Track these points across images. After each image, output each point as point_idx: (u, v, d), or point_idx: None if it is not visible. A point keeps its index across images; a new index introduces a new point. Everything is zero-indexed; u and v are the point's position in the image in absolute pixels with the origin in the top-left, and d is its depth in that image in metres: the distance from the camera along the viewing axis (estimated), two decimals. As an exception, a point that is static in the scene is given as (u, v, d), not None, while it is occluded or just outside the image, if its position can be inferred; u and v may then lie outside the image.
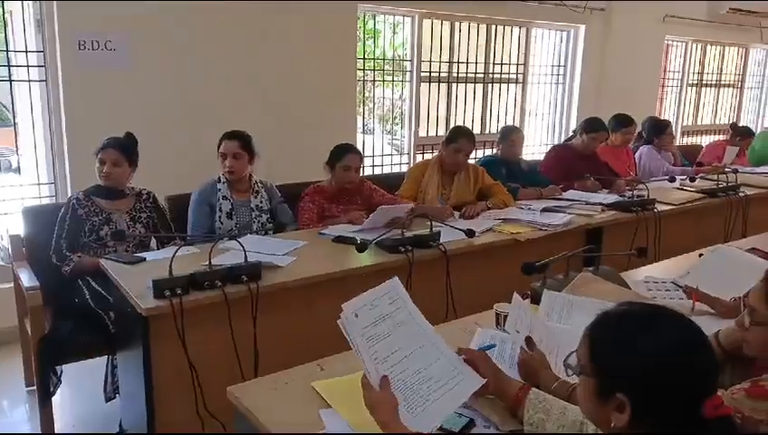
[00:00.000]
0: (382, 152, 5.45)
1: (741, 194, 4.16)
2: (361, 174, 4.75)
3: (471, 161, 4.07)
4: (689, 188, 4.16)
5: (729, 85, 8.18)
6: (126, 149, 2.99)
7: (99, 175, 2.96)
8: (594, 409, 1.08)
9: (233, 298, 2.25)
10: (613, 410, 1.02)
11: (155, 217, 3.07)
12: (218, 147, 3.16)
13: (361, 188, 3.42)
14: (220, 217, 3.10)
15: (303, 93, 4.47)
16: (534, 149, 6.14)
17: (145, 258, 2.59)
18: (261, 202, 3.20)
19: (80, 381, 3.17)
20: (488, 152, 5.37)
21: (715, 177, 4.24)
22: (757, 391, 1.25)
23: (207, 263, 2.27)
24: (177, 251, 2.23)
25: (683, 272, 2.39)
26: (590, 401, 1.08)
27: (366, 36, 5.22)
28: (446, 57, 5.52)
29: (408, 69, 5.34)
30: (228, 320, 2.24)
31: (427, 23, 5.31)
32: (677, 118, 7.55)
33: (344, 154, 3.28)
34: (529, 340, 1.62)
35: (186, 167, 3.76)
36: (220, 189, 3.13)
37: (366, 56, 5.08)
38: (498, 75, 5.91)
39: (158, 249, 2.98)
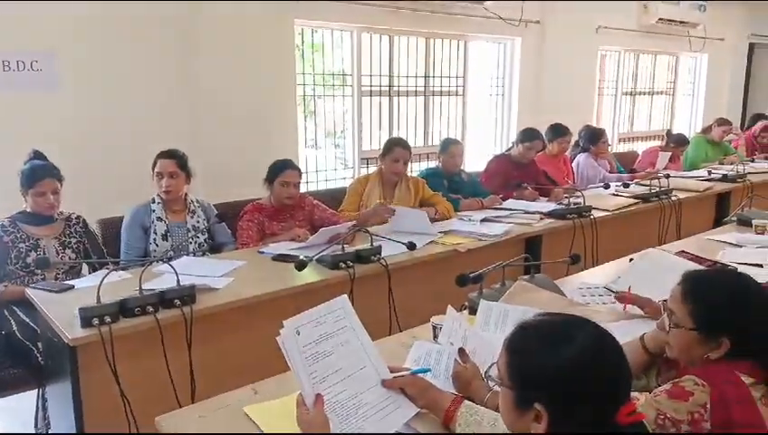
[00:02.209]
0: (328, 167, 5.45)
1: (673, 198, 4.31)
2: (306, 190, 4.84)
3: (414, 174, 4.12)
4: (623, 194, 4.29)
5: (662, 93, 8.51)
6: (55, 173, 2.90)
7: (39, 206, 2.84)
8: (514, 420, 1.09)
9: (166, 324, 2.20)
10: (531, 421, 1.04)
11: (85, 242, 2.98)
12: (153, 166, 3.10)
13: (303, 205, 3.40)
14: (155, 239, 3.03)
15: (241, 109, 4.43)
16: (477, 160, 6.23)
17: (73, 286, 2.50)
18: (197, 222, 3.14)
19: (9, 416, 3.02)
20: (432, 164, 5.42)
21: (649, 182, 4.38)
22: (677, 392, 1.29)
23: (138, 288, 2.21)
24: (105, 277, 2.16)
25: (615, 277, 2.45)
26: (510, 413, 1.09)
27: (313, 50, 5.22)
28: (386, 71, 5.57)
29: (349, 83, 5.36)
30: (162, 347, 2.18)
31: (365, 37, 5.35)
32: (613, 125, 7.81)
33: (282, 170, 3.26)
34: (462, 351, 1.63)
35: (118, 188, 3.66)
36: (154, 210, 3.06)
37: (312, 71, 5.09)
38: (438, 88, 6.00)
39: (90, 275, 2.88)
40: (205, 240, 3.13)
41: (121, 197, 3.28)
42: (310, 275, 2.64)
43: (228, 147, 4.35)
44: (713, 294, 1.37)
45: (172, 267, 2.25)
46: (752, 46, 9.63)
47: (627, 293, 2.11)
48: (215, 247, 3.12)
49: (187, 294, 2.25)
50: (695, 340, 1.36)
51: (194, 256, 2.97)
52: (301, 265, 2.59)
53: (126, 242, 3.05)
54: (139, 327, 2.17)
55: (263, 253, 2.94)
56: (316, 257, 2.71)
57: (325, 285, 2.61)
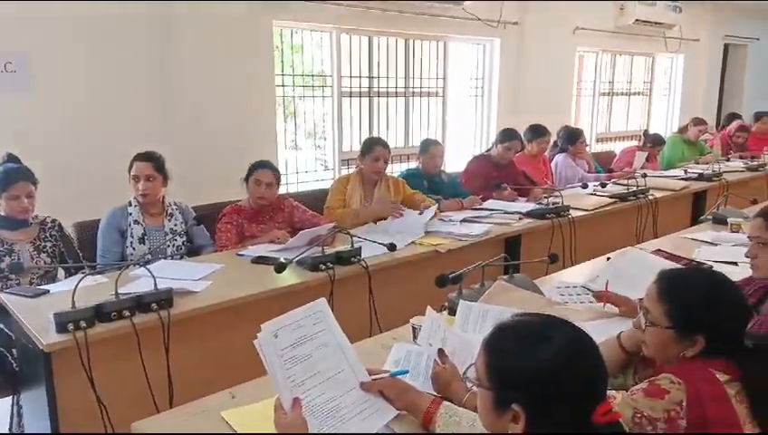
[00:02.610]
0: (309, 169, 5.44)
1: (650, 197, 4.36)
2: (286, 191, 4.82)
3: (395, 174, 4.11)
4: (601, 194, 4.32)
5: (638, 93, 8.61)
6: (29, 176, 2.85)
7: (12, 210, 2.79)
8: (492, 421, 1.09)
9: (143, 328, 2.17)
10: (509, 421, 1.04)
11: (61, 246, 2.93)
12: (129, 169, 3.05)
13: (282, 206, 3.38)
14: (132, 242, 2.99)
15: (219, 111, 4.40)
16: (457, 160, 6.25)
17: (48, 291, 2.46)
18: (175, 225, 3.10)
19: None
20: (412, 165, 5.42)
21: (626, 182, 4.42)
22: (653, 390, 1.30)
23: (114, 292, 2.18)
24: (80, 281, 2.13)
25: (593, 276, 2.46)
26: (488, 414, 1.09)
27: (292, 51, 5.20)
28: (366, 72, 5.56)
29: (329, 84, 5.34)
30: (139, 351, 2.15)
31: (345, 38, 5.33)
32: (591, 125, 7.88)
33: (255, 169, 3.23)
34: (441, 352, 1.63)
35: (94, 191, 3.61)
36: (131, 214, 3.02)
37: (292, 72, 5.06)
38: (418, 89, 6.01)
39: (65, 280, 2.83)
40: (183, 243, 3.10)
41: (98, 200, 3.23)
42: (289, 278, 2.63)
43: (207, 148, 4.32)
44: (687, 292, 1.38)
45: (149, 271, 2.22)
46: (726, 47, 9.78)
47: (604, 291, 2.11)
48: (193, 250, 3.09)
49: (164, 298, 2.23)
50: (670, 338, 1.37)
51: (172, 259, 2.94)
52: (280, 268, 2.57)
53: (102, 246, 3.00)
54: (115, 332, 2.13)
55: (242, 255, 2.92)
56: (296, 259, 2.69)
57: (305, 288, 2.59)
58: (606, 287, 2.13)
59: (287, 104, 5.29)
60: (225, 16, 4.34)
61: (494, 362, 1.09)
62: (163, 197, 3.13)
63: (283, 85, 5.00)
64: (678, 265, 2.30)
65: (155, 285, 2.22)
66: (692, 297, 1.36)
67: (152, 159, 3.04)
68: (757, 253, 1.77)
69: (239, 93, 4.48)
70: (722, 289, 1.37)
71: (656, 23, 7.63)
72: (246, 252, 2.95)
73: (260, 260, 2.81)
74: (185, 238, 3.13)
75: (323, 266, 2.69)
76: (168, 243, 3.05)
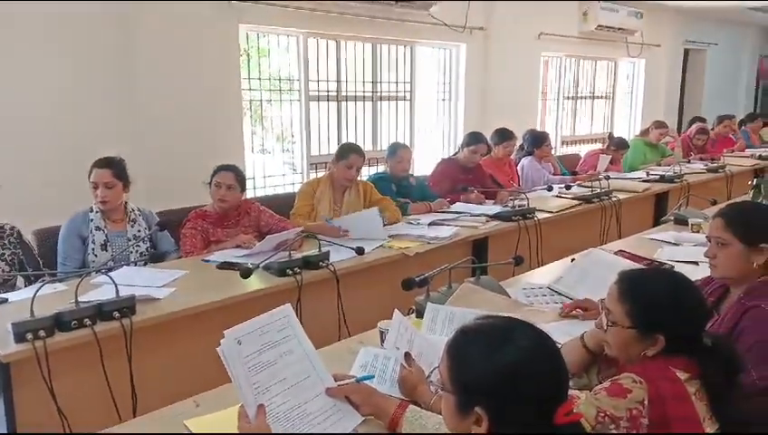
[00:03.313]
0: (277, 173, 5.40)
1: (614, 199, 4.43)
2: (254, 195, 4.78)
3: (363, 178, 4.10)
4: (566, 196, 4.38)
5: (602, 97, 8.77)
6: None
7: None
8: (456, 424, 1.09)
9: (104, 336, 2.11)
10: (473, 424, 1.04)
11: (20, 254, 2.85)
12: (89, 175, 2.98)
13: (249, 211, 3.34)
14: (93, 249, 2.92)
15: (184, 114, 4.35)
16: (425, 164, 6.27)
17: (7, 299, 2.39)
18: (139, 231, 3.04)
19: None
20: (381, 169, 5.42)
21: (590, 184, 4.48)
22: (616, 389, 1.31)
23: (74, 300, 2.12)
24: (39, 289, 2.07)
25: (558, 277, 2.49)
26: (452, 417, 1.09)
27: (259, 55, 5.17)
28: (333, 76, 5.55)
29: (297, 88, 5.32)
30: (101, 360, 2.10)
31: (312, 42, 5.32)
32: (556, 129, 8.00)
33: (216, 172, 3.20)
34: (407, 356, 1.62)
35: (55, 197, 3.53)
36: (93, 220, 2.95)
37: (259, 75, 5.02)
38: (386, 93, 6.02)
39: (25, 288, 2.75)
40: (147, 249, 3.04)
41: (60, 205, 3.15)
42: (256, 283, 2.60)
43: (171, 153, 4.26)
44: (647, 293, 1.39)
45: (110, 278, 2.17)
46: (686, 52, 10.04)
47: (565, 305, 2.18)
48: (157, 257, 3.03)
49: (126, 306, 2.18)
50: (631, 337, 1.39)
51: (135, 265, 2.88)
52: (246, 273, 2.54)
53: (63, 253, 2.93)
54: (76, 341, 2.08)
55: (207, 261, 2.88)
56: (262, 264, 2.66)
57: (272, 293, 2.56)
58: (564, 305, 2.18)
59: (255, 108, 5.25)
60: (191, 20, 4.29)
61: (457, 366, 1.09)
62: (125, 202, 3.06)
63: (249, 89, 4.95)
64: (640, 266, 2.34)
65: (116, 292, 2.17)
66: (652, 297, 1.38)
67: (111, 166, 2.97)
68: (716, 253, 1.80)
69: (205, 97, 4.43)
70: (681, 289, 1.39)
71: (618, 28, 7.79)
72: (212, 257, 2.90)
73: (226, 266, 2.77)
74: (148, 244, 3.07)
75: (291, 271, 2.65)
76: (131, 249, 2.99)
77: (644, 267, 2.11)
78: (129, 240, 3.00)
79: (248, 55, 5.03)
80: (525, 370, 1.04)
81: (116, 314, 2.15)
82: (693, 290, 1.41)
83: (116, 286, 2.16)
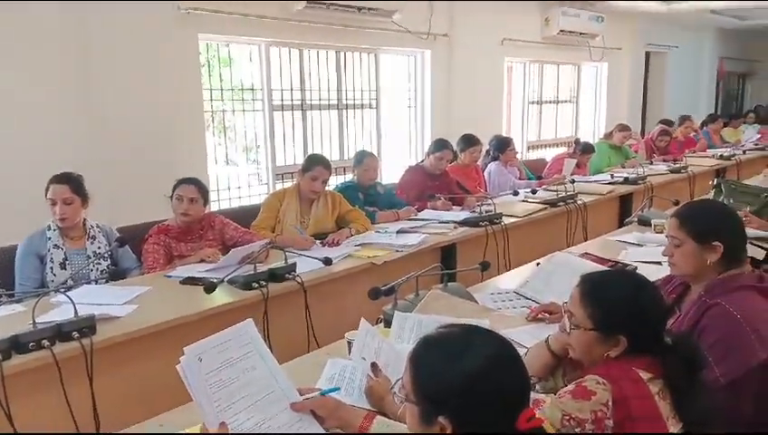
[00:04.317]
0: (242, 184, 5.37)
1: (579, 202, 4.50)
2: (218, 208, 4.73)
3: (330, 188, 4.09)
4: (532, 200, 4.44)
5: (566, 101, 8.92)
6: None
7: None
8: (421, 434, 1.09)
9: (64, 358, 2.07)
10: (437, 433, 1.04)
11: (-26, 275, 2.77)
12: (46, 192, 2.92)
13: (212, 224, 3.30)
14: (52, 268, 2.86)
15: (144, 127, 4.30)
16: (392, 172, 6.29)
17: (-40, 323, 2.31)
18: (99, 248, 2.99)
19: None
20: (348, 178, 5.43)
21: (555, 188, 4.56)
22: (580, 392, 1.33)
23: (32, 321, 2.07)
24: (-7, 312, 2.02)
25: (524, 281, 2.52)
26: (417, 428, 1.10)
27: (220, 65, 5.14)
28: (297, 85, 5.54)
29: (260, 98, 5.29)
30: (60, 383, 2.05)
31: (274, 51, 5.31)
32: (522, 134, 8.10)
33: (178, 185, 3.17)
34: (374, 366, 1.62)
35: (12, 214, 3.44)
36: (50, 238, 2.89)
37: (223, 85, 4.99)
38: (351, 101, 6.04)
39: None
40: (107, 267, 2.99)
41: (17, 223, 3.08)
42: (220, 298, 2.57)
43: (131, 167, 4.20)
44: (607, 295, 1.42)
45: (68, 297, 2.13)
46: (648, 55, 10.27)
47: (531, 309, 2.22)
48: (118, 274, 2.98)
49: (85, 326, 2.13)
50: (594, 340, 1.42)
51: (96, 283, 2.83)
52: (210, 288, 2.51)
53: (21, 273, 2.86)
54: (34, 363, 2.03)
55: (170, 277, 2.84)
56: (227, 278, 2.64)
57: (238, 307, 2.54)
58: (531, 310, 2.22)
59: (219, 119, 5.22)
60: (148, 30, 4.24)
61: (419, 376, 1.10)
62: (84, 219, 3.01)
63: (211, 99, 4.92)
64: (604, 268, 2.38)
65: (75, 311, 2.13)
66: (612, 299, 1.41)
67: (69, 181, 2.91)
68: (672, 252, 1.84)
69: (165, 109, 4.39)
70: (640, 290, 1.42)
71: (580, 33, 7.95)
72: (175, 273, 2.87)
73: (189, 281, 2.74)
74: (109, 261, 3.02)
75: (256, 284, 2.64)
76: (91, 267, 2.94)
77: (606, 270, 2.15)
78: (89, 258, 2.95)
79: (209, 65, 5.00)
80: (487, 377, 1.05)
81: (75, 335, 2.10)
82: (652, 290, 1.44)
83: (74, 305, 2.12)
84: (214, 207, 4.66)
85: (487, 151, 5.43)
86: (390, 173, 6.21)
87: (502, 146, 5.35)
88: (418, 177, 4.50)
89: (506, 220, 3.92)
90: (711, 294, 1.75)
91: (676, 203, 4.14)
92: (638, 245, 3.21)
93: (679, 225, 1.83)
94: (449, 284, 2.41)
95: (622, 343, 1.38)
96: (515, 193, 4.60)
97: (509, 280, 2.75)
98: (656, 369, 1.36)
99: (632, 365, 1.37)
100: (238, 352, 1.39)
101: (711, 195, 4.04)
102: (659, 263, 2.75)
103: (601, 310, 1.40)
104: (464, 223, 3.80)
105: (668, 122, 7.88)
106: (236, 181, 5.39)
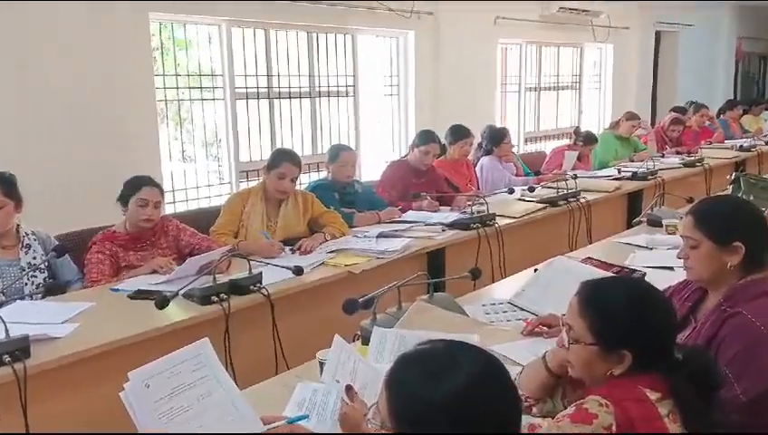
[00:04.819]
0: (201, 183, 5.33)
1: (582, 200, 4.54)
2: (173, 211, 4.70)
3: (302, 186, 4.08)
4: (529, 199, 4.47)
5: (567, 87, 8.99)
6: None
7: None
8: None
9: (-8, 386, 2.04)
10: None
11: None
12: (-27, 196, 2.88)
13: (166, 229, 3.29)
14: (-21, 282, 2.82)
15: (87, 119, 4.27)
16: (373, 168, 6.30)
17: None
18: (34, 258, 2.96)
19: None
20: (321, 175, 5.42)
21: (556, 184, 4.58)
22: (580, 415, 1.33)
23: (-46, 345, 2.04)
24: None
25: (520, 290, 2.53)
26: (395, 456, 1.09)
27: (175, 48, 5.11)
28: (263, 70, 5.53)
29: (221, 85, 5.27)
30: (-12, 414, 2.02)
31: (237, 32, 5.28)
32: (519, 124, 8.16)
33: (138, 187, 3.14)
34: (349, 389, 1.61)
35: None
36: (-22, 248, 2.86)
37: (180, 71, 4.98)
38: (326, 88, 6.03)
39: None
40: (44, 280, 2.96)
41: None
42: (175, 314, 2.56)
43: (71, 164, 4.17)
44: (609, 304, 1.43)
45: (-2, 316, 2.10)
46: (658, 34, 10.36)
47: (527, 322, 2.21)
48: (57, 288, 2.93)
49: (18, 348, 2.10)
50: (595, 355, 1.42)
51: (31, 299, 2.80)
52: (163, 303, 2.49)
53: (-57, 288, 2.82)
54: (-44, 394, 2.00)
55: (117, 290, 2.82)
56: (182, 292, 2.63)
57: (194, 325, 2.53)
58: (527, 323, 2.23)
59: (175, 110, 5.20)
60: (91, 9, 4.20)
61: (395, 399, 1.10)
62: (18, 225, 2.97)
63: (164, 87, 4.90)
64: (608, 274, 2.40)
65: (6, 332, 2.10)
66: (614, 309, 1.41)
67: (0, 183, 2.88)
68: (688, 254, 1.85)
69: (111, 98, 4.36)
70: (646, 298, 1.43)
71: (582, 10, 8.01)
72: (123, 286, 2.85)
73: (139, 295, 2.72)
74: (46, 274, 3.00)
75: (216, 298, 2.63)
76: (26, 280, 2.91)
77: (610, 276, 2.16)
78: (23, 269, 2.92)
79: (163, 49, 4.97)
80: (472, 398, 1.05)
81: (7, 359, 2.07)
82: (659, 298, 1.45)
83: (5, 325, 2.09)
84: (168, 209, 4.63)
85: (479, 144, 5.45)
86: (370, 169, 6.22)
87: (495, 138, 5.36)
88: (402, 173, 4.50)
89: (501, 222, 3.93)
90: (731, 302, 1.76)
91: (691, 200, 4.18)
92: (648, 248, 3.24)
93: (695, 223, 1.84)
94: (436, 294, 2.42)
95: (627, 358, 1.39)
96: (511, 191, 4.61)
97: (503, 289, 2.76)
98: (663, 387, 1.37)
99: (638, 384, 1.37)
100: (192, 376, 1.39)
101: (729, 191, 4.09)
102: (671, 268, 2.79)
103: (603, 321, 1.41)
104: (453, 225, 3.80)
105: (681, 110, 7.94)
106: (194, 180, 5.35)
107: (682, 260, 1.91)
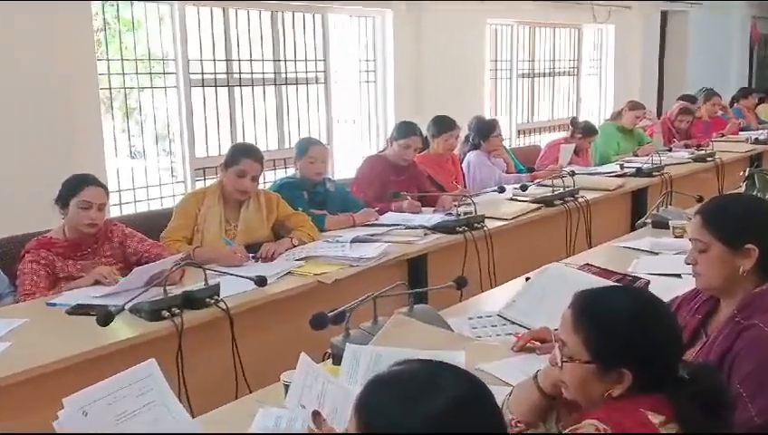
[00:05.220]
0: (152, 182, 5.30)
1: (580, 199, 4.57)
2: (119, 214, 4.67)
3: (266, 185, 4.07)
4: (522, 199, 4.49)
5: (564, 73, 9.05)
6: None
7: None
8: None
9: None
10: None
11: None
12: None
13: (110, 235, 3.27)
14: None
15: (17, 111, 4.23)
16: (347, 164, 6.30)
17: None
18: (-42, 269, 2.93)
19: None
20: (289, 172, 5.41)
21: (551, 182, 4.61)
22: (576, 442, 1.34)
23: None
24: None
25: (510, 301, 2.54)
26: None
27: (120, 30, 5.08)
28: (222, 54, 5.51)
29: (173, 70, 5.24)
30: None
31: (191, 11, 5.26)
32: (511, 115, 8.21)
33: (80, 187, 3.11)
34: (316, 415, 1.61)
35: None
36: None
37: (128, 56, 4.98)
38: (293, 75, 6.02)
39: None
40: (-30, 293, 2.93)
41: None
42: (120, 331, 2.55)
43: (1, 161, 4.10)
44: (606, 317, 1.43)
45: None
46: (665, 15, 10.46)
47: (518, 337, 2.22)
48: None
49: (-62, 372, 2.08)
50: (591, 375, 1.42)
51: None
52: (106, 318, 2.47)
53: None
54: None
55: (53, 305, 2.80)
56: (128, 306, 2.62)
57: (143, 343, 2.52)
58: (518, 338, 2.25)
59: (122, 99, 5.17)
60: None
61: (368, 426, 1.10)
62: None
63: (109, 73, 4.87)
64: (609, 283, 2.41)
65: (-76, 354, 2.07)
66: (612, 323, 1.42)
67: None
68: (697, 259, 1.86)
69: (46, 87, 4.34)
70: (648, 310, 1.44)
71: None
72: (60, 299, 2.83)
73: (79, 309, 2.70)
74: (-27, 287, 2.96)
75: (167, 313, 2.61)
76: (-51, 294, 2.87)
77: (609, 285, 2.17)
78: (-55, 282, 2.89)
79: (107, 30, 4.93)
80: (454, 424, 1.05)
81: (-77, 384, 2.05)
82: (663, 310, 1.46)
83: None
84: (114, 212, 4.60)
85: (466, 137, 5.48)
86: (344, 166, 6.23)
87: (484, 131, 5.39)
88: (379, 170, 4.51)
89: (490, 224, 3.95)
90: (746, 313, 1.78)
91: (700, 199, 4.23)
92: (653, 253, 3.27)
93: (704, 224, 1.85)
94: (416, 306, 2.41)
95: (627, 378, 1.39)
96: (501, 190, 4.63)
97: (492, 300, 2.78)
98: (666, 409, 1.38)
99: (640, 406, 1.38)
100: (137, 402, 1.39)
101: (742, 188, 4.13)
102: (679, 275, 2.81)
103: (599, 337, 1.41)
104: (436, 228, 3.82)
105: (691, 99, 8.04)
106: (144, 178, 5.32)
107: (689, 265, 1.93)
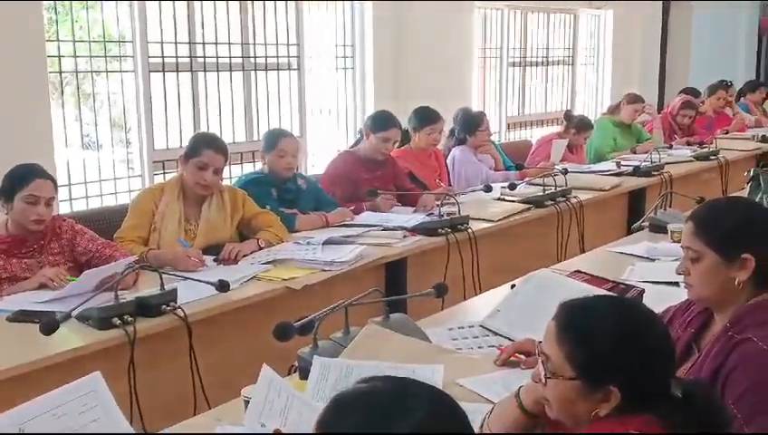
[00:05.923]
0: (106, 176, 5.27)
1: (573, 200, 4.60)
2: (69, 210, 4.63)
3: (231, 181, 4.05)
4: (510, 199, 4.51)
5: (558, 62, 9.09)
6: None
7: None
8: None
9: None
10: None
11: None
12: None
13: (59, 231, 3.24)
14: None
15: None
16: (321, 158, 6.29)
17: None
18: None
19: None
20: (257, 167, 5.40)
21: (542, 181, 4.62)
22: (561, 464, 1.35)
23: None
24: None
25: (494, 311, 2.55)
26: None
27: (75, 8, 5.05)
28: (184, 36, 5.49)
29: (130, 53, 5.21)
30: None
31: (151, -11, 5.24)
32: (500, 107, 8.23)
33: (25, 180, 3.07)
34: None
35: None
36: None
37: (75, 36, 4.94)
38: (263, 60, 6.01)
39: None
40: None
41: None
42: (67, 340, 2.53)
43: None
44: (593, 330, 1.43)
45: None
46: (667, 3, 10.52)
47: (501, 350, 2.23)
48: None
49: None
50: (577, 392, 1.43)
51: None
52: (50, 326, 2.45)
53: None
54: None
55: (-6, 310, 2.78)
56: (76, 312, 2.59)
57: (91, 353, 2.51)
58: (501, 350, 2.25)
59: (75, 84, 5.14)
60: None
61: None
62: None
63: (59, 56, 4.84)
64: (601, 291, 2.43)
65: None
66: (598, 336, 1.42)
67: None
68: (689, 268, 1.87)
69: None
70: (638, 322, 1.45)
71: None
72: (1, 305, 2.81)
73: (21, 316, 2.68)
74: None
75: (119, 320, 2.58)
76: None
77: (597, 295, 2.17)
78: None
79: (57, 9, 4.89)
80: None
81: None
82: (654, 323, 1.47)
83: None
84: (63, 208, 4.57)
85: (451, 131, 5.49)
86: (317, 161, 6.22)
87: (470, 124, 5.41)
88: (353, 165, 4.52)
89: (475, 226, 3.96)
90: (739, 327, 1.78)
91: (702, 201, 4.27)
92: (650, 259, 3.29)
93: (696, 231, 1.86)
94: (392, 315, 2.41)
95: (614, 396, 1.40)
96: (488, 189, 4.65)
97: (476, 309, 2.79)
98: (656, 428, 1.39)
99: (629, 427, 1.38)
100: (79, 419, 1.38)
101: (746, 190, 4.16)
102: (676, 284, 2.80)
103: (584, 351, 1.41)
104: (417, 230, 3.82)
105: (694, 92, 8.09)
106: (97, 171, 5.28)
107: (680, 275, 1.94)
